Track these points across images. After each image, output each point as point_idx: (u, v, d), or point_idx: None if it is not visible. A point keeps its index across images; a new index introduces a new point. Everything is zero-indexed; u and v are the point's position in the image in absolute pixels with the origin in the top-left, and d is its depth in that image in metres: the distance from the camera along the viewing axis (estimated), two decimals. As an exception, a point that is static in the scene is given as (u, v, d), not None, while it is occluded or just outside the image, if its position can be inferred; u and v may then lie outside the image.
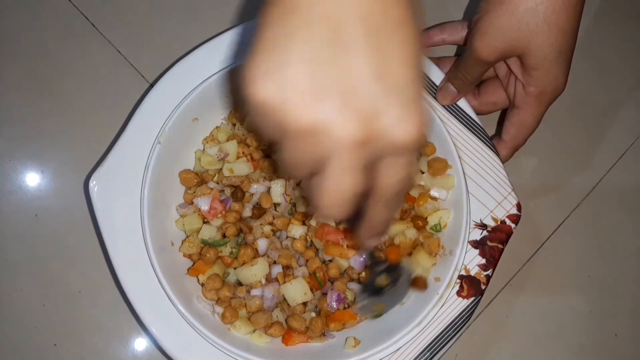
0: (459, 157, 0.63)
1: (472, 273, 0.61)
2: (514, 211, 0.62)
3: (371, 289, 0.59)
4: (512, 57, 0.60)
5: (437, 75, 0.64)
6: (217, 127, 0.68)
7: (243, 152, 0.66)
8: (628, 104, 0.79)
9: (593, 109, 0.79)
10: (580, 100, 0.78)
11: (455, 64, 0.63)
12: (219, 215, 0.64)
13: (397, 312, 0.63)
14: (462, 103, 0.64)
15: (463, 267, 0.61)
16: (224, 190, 0.65)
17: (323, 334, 0.62)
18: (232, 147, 0.65)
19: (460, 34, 0.68)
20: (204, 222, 0.64)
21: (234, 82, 0.64)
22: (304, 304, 0.63)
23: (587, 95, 0.79)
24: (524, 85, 0.61)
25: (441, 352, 0.59)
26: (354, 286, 0.63)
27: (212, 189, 0.65)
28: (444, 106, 0.64)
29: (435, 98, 0.64)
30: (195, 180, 0.65)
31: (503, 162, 0.64)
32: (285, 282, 0.62)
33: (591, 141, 0.78)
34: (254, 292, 0.62)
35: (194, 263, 0.64)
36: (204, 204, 0.64)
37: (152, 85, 0.69)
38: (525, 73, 0.60)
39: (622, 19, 0.82)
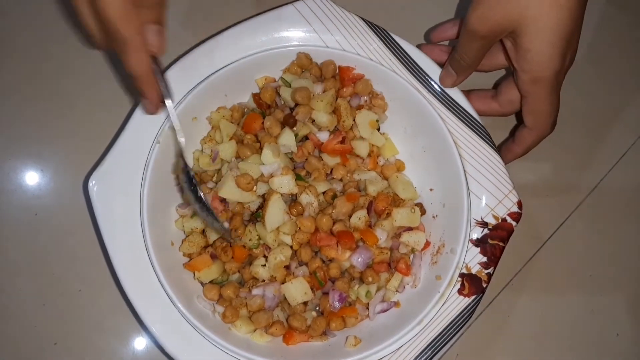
0: (460, 155, 0.63)
1: (474, 271, 0.61)
2: (515, 209, 0.62)
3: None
4: (506, 35, 0.59)
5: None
6: (214, 128, 0.68)
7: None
8: (629, 104, 0.79)
9: (594, 109, 0.79)
10: (581, 100, 0.78)
11: (455, 46, 0.63)
12: (220, 213, 0.64)
13: (396, 312, 0.63)
14: (463, 101, 0.64)
15: (464, 265, 0.61)
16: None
17: (324, 333, 0.62)
18: (230, 147, 0.65)
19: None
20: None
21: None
22: (305, 303, 0.63)
23: (588, 95, 0.78)
24: (518, 73, 0.60)
25: (442, 351, 0.59)
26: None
27: (211, 189, 0.64)
28: (445, 104, 0.64)
29: (439, 98, 0.64)
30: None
31: (529, 149, 0.66)
32: (286, 282, 0.61)
33: (592, 140, 0.78)
34: (255, 291, 0.62)
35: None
36: (204, 203, 0.64)
37: (152, 85, 0.69)
38: (519, 57, 0.59)
39: (624, 20, 0.82)
